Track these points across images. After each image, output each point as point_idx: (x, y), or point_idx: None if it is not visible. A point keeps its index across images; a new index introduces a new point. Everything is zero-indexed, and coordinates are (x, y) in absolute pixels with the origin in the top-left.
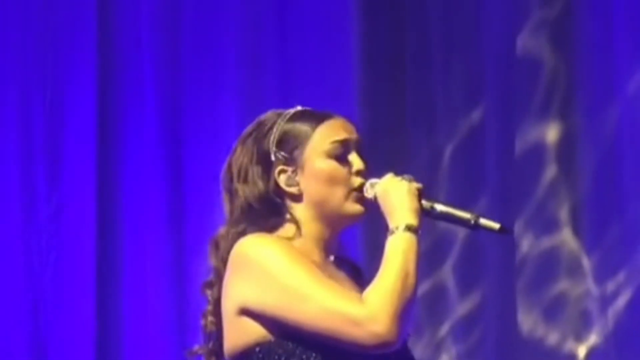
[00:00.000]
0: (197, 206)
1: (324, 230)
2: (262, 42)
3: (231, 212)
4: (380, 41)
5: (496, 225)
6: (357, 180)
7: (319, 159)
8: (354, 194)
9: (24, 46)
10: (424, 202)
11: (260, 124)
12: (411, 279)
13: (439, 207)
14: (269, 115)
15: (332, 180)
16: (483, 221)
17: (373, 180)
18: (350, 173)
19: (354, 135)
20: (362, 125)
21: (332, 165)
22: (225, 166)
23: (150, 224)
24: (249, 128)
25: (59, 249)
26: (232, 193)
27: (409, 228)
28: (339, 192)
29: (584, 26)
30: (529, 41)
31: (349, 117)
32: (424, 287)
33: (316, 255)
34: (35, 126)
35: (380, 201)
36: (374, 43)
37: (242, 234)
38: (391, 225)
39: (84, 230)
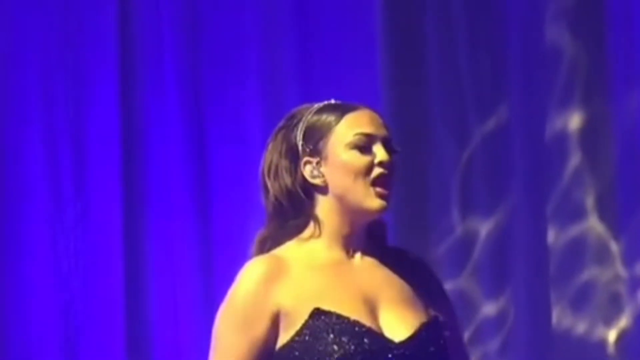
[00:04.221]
0: (223, 205)
1: (345, 225)
2: (282, 41)
3: (266, 210)
4: (403, 36)
5: None
6: (377, 171)
7: (342, 150)
8: (375, 188)
9: (46, 49)
10: None
11: (290, 118)
12: None
13: None
14: (299, 108)
15: (353, 172)
16: None
17: None
18: (372, 164)
19: (380, 131)
20: (389, 121)
21: (355, 155)
22: (261, 163)
23: (176, 223)
24: (280, 122)
25: (86, 251)
26: (265, 190)
27: None
28: (360, 184)
29: (606, 12)
30: (551, 30)
31: (378, 111)
32: (450, 285)
33: (335, 253)
34: (60, 129)
35: None
36: (397, 39)
37: (265, 240)
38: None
39: (110, 233)
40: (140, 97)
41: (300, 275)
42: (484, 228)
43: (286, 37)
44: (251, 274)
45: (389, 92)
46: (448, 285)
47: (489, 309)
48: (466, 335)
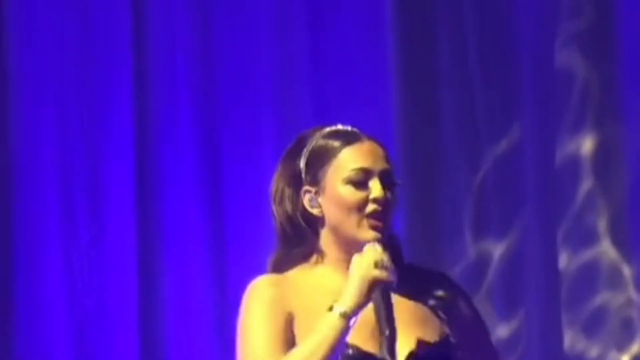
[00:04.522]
0: (237, 226)
1: (344, 253)
2: (294, 62)
3: (275, 235)
4: (417, 59)
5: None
6: (371, 207)
7: (339, 183)
8: (368, 220)
9: (61, 79)
10: (374, 293)
11: (298, 142)
12: None
13: (378, 305)
14: (308, 132)
15: (346, 207)
16: (385, 345)
17: (368, 246)
18: (367, 200)
19: (379, 164)
20: (400, 143)
21: (350, 191)
22: (270, 186)
23: (191, 245)
24: (290, 145)
25: (100, 273)
26: (273, 214)
27: (342, 314)
28: (353, 219)
29: (618, 35)
30: (563, 53)
31: (383, 142)
32: None
33: (338, 279)
34: (74, 151)
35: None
36: (410, 61)
37: (272, 265)
38: (336, 302)
39: (125, 254)
40: (154, 120)
41: (307, 299)
42: (497, 251)
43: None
44: (262, 283)
45: (402, 115)
46: None
47: (501, 331)
48: None
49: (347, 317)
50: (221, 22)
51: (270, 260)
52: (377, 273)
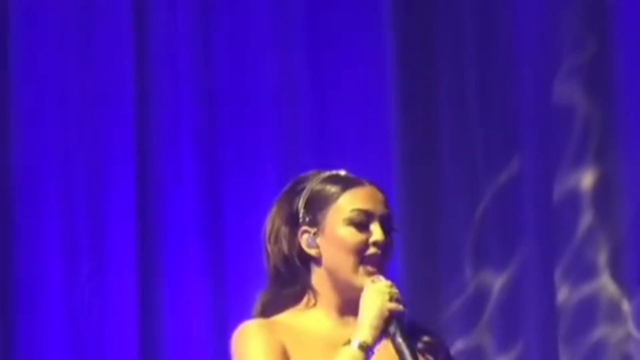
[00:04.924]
0: (237, 262)
1: (339, 296)
2: (297, 97)
3: (266, 273)
4: (415, 91)
5: None
6: (371, 250)
7: (339, 224)
8: (365, 267)
9: (63, 104)
10: (391, 326)
11: (296, 183)
12: None
13: (398, 339)
14: (307, 174)
15: (347, 248)
16: None
17: (376, 278)
18: (367, 243)
19: (379, 208)
20: (399, 178)
21: (351, 232)
22: (264, 225)
23: (191, 279)
24: (287, 186)
25: (101, 306)
26: (265, 253)
27: (361, 346)
28: (351, 262)
29: (618, 70)
30: (563, 87)
31: (382, 187)
32: (460, 345)
33: (330, 322)
34: (76, 183)
35: (360, 305)
36: (409, 92)
37: (260, 307)
38: (351, 335)
39: (125, 287)
40: (156, 153)
41: (300, 341)
42: (496, 284)
43: (303, 101)
44: (253, 325)
45: (401, 150)
46: (461, 341)
47: None
48: None
49: (367, 348)
50: (223, 58)
51: (258, 300)
52: (393, 305)
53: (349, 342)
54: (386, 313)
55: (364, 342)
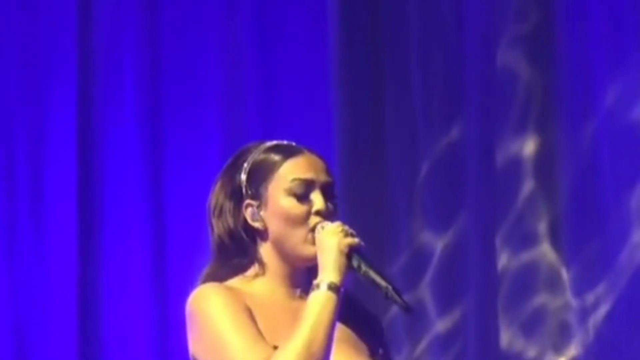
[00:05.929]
0: (179, 227)
1: (287, 267)
2: (242, 71)
3: (211, 247)
4: (358, 56)
5: (401, 302)
6: (314, 220)
7: (281, 195)
8: (311, 235)
9: (5, 73)
10: (353, 260)
11: (238, 156)
12: (317, 345)
13: (363, 268)
14: (247, 146)
15: (289, 219)
16: (391, 294)
17: (325, 224)
18: (309, 213)
19: (321, 176)
20: (340, 142)
21: (292, 203)
22: (208, 200)
23: (132, 251)
24: (229, 160)
25: (41, 270)
26: (210, 228)
27: (330, 286)
28: (297, 232)
29: (560, 40)
30: (506, 56)
31: (324, 156)
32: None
33: (280, 292)
34: (18, 151)
35: (317, 252)
36: (351, 56)
37: (208, 277)
38: (317, 279)
39: (65, 252)
40: (98, 116)
41: (256, 307)
42: (438, 246)
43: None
44: (210, 287)
45: (342, 116)
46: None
47: (439, 327)
48: (418, 349)
49: (337, 288)
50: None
51: (203, 273)
52: (349, 240)
53: (317, 286)
54: (345, 249)
55: (332, 282)
